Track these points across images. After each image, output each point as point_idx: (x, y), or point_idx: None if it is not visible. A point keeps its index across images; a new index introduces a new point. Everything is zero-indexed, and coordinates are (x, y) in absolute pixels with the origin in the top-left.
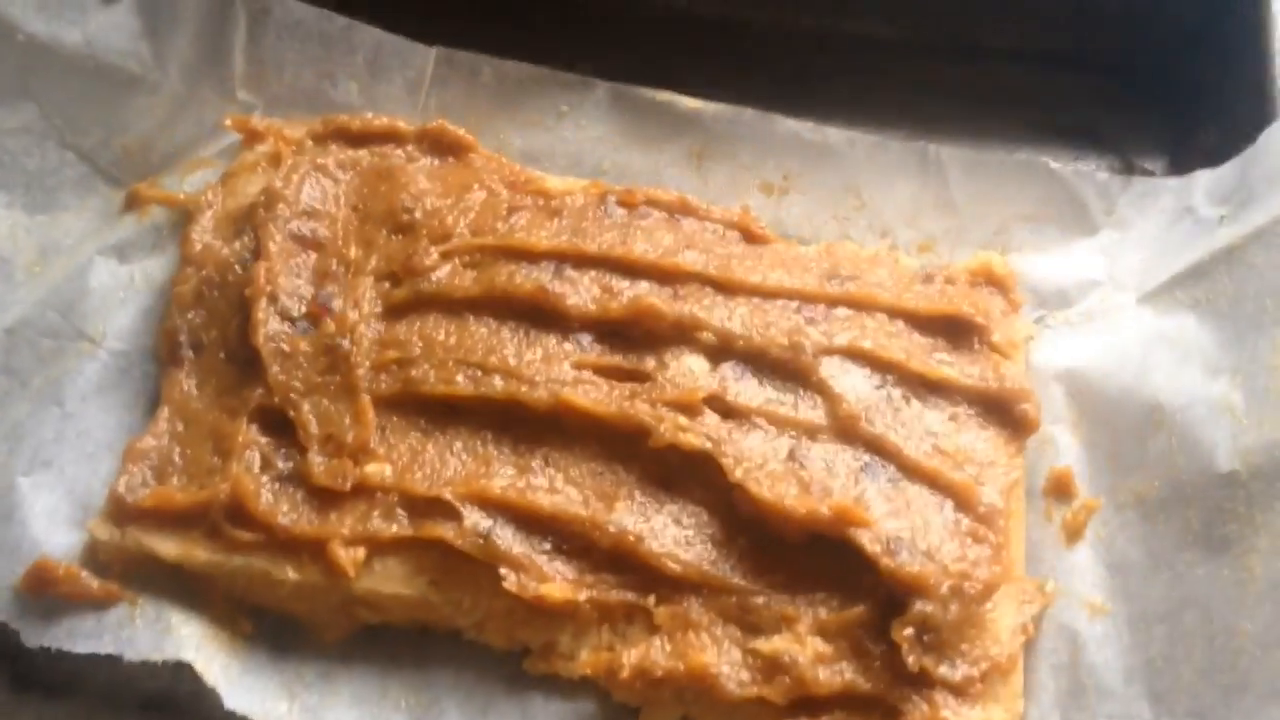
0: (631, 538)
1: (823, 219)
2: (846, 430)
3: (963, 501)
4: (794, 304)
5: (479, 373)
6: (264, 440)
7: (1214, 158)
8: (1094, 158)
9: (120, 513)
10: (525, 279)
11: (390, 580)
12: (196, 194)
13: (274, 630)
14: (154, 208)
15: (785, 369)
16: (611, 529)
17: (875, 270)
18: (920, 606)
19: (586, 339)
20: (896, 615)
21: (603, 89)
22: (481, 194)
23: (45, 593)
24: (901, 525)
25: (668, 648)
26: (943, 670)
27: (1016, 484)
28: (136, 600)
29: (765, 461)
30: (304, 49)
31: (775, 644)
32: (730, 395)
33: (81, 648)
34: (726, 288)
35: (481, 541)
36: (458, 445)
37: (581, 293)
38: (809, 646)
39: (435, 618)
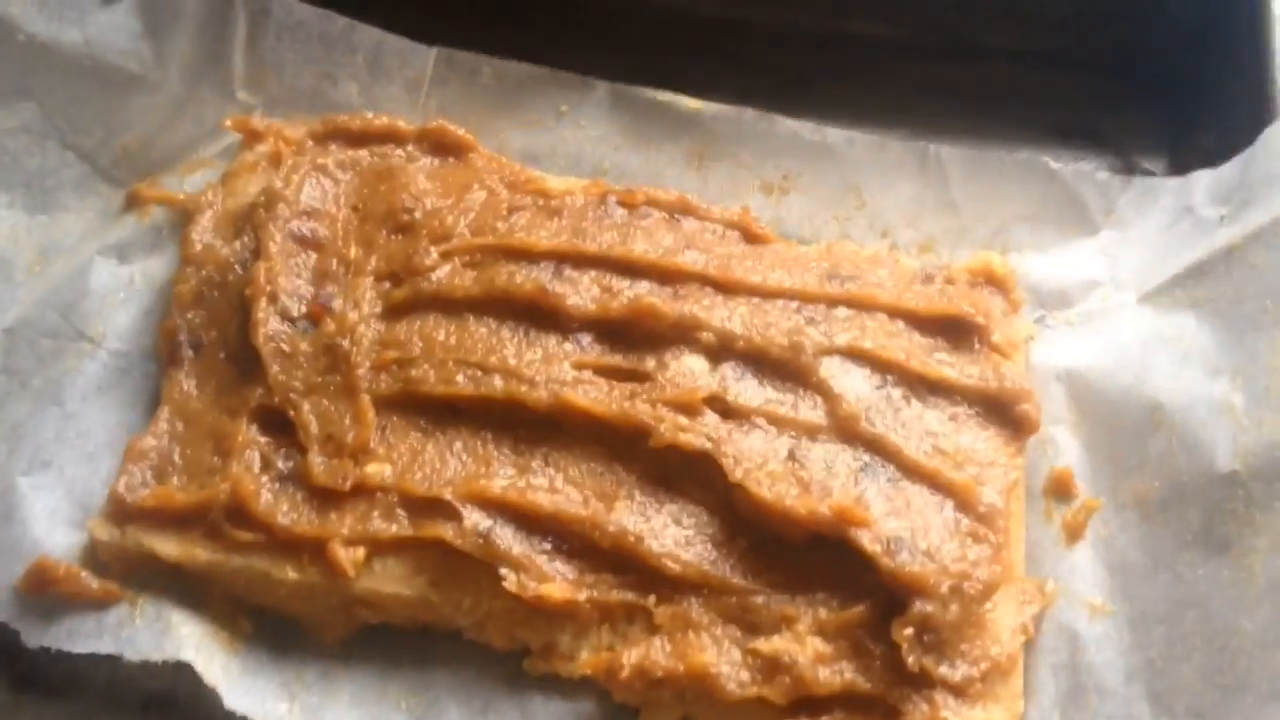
0: (631, 538)
1: (823, 219)
2: (847, 430)
3: (963, 501)
4: (794, 304)
5: (479, 373)
6: (264, 440)
7: (1214, 158)
8: (1094, 158)
9: (120, 512)
10: (525, 279)
11: (390, 580)
12: (196, 194)
13: (274, 630)
14: (154, 208)
15: (785, 369)
16: (611, 529)
17: (875, 270)
18: (920, 606)
19: (586, 339)
20: (897, 615)
21: (603, 89)
22: (482, 194)
23: (45, 593)
24: (901, 525)
25: (668, 648)
26: (943, 670)
27: (1016, 484)
28: (136, 600)
29: (765, 461)
30: (304, 49)
31: (775, 644)
32: (730, 395)
33: (81, 648)
34: (727, 287)
35: (481, 541)
36: (458, 445)
37: (581, 293)
38: (809, 646)
39: (435, 618)
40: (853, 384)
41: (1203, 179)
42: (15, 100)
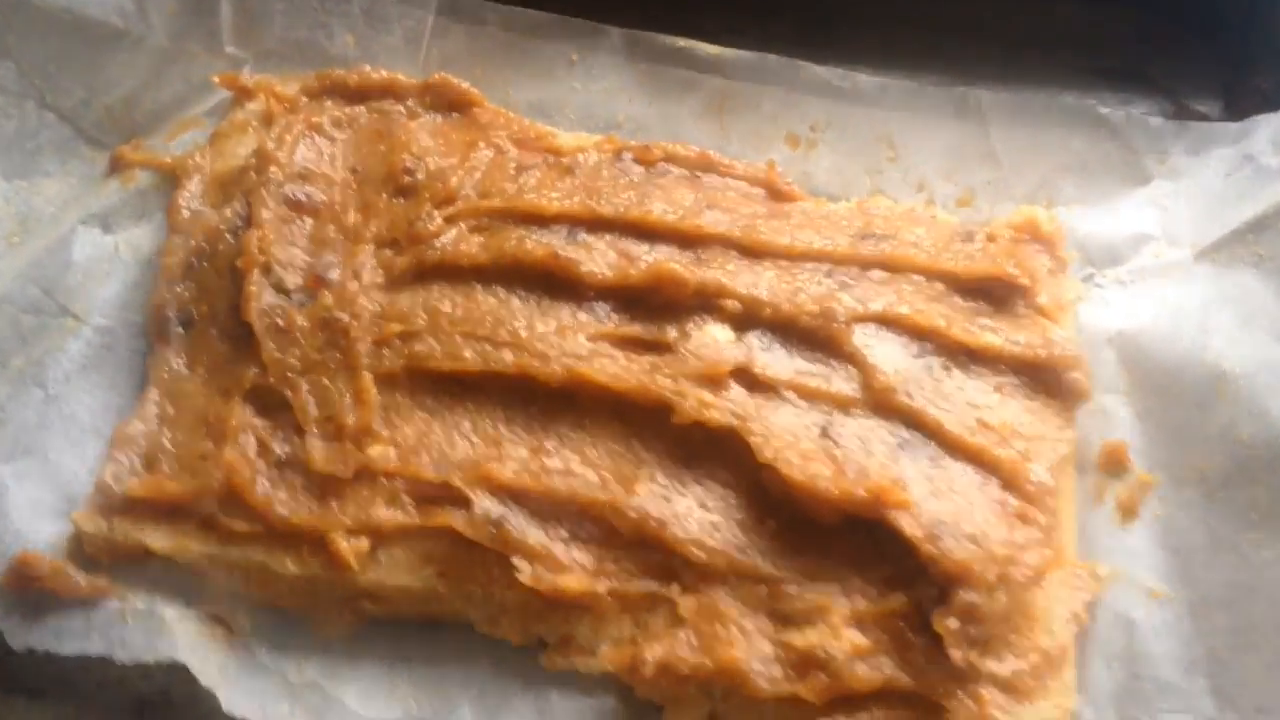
0: (654, 522)
1: (854, 173)
2: (883, 404)
3: (1009, 480)
4: (824, 267)
5: (488, 346)
6: (259, 423)
7: (1273, 101)
8: (1143, 102)
9: (108, 503)
10: (536, 244)
11: (396, 572)
12: (184, 156)
13: (274, 626)
14: (139, 172)
15: (816, 338)
16: (632, 513)
17: (911, 228)
18: (965, 595)
19: (603, 308)
20: (939, 605)
21: (616, 35)
22: (488, 152)
23: (29, 589)
24: (944, 507)
25: (694, 641)
26: (990, 664)
27: (1067, 459)
28: (127, 596)
29: (796, 439)
30: None
31: (809, 636)
32: (758, 367)
33: (69, 648)
34: (752, 251)
35: (493, 529)
36: (466, 425)
37: (597, 258)
38: (845, 639)
39: (445, 611)
40: (889, 353)
41: (1262, 124)
42: None
